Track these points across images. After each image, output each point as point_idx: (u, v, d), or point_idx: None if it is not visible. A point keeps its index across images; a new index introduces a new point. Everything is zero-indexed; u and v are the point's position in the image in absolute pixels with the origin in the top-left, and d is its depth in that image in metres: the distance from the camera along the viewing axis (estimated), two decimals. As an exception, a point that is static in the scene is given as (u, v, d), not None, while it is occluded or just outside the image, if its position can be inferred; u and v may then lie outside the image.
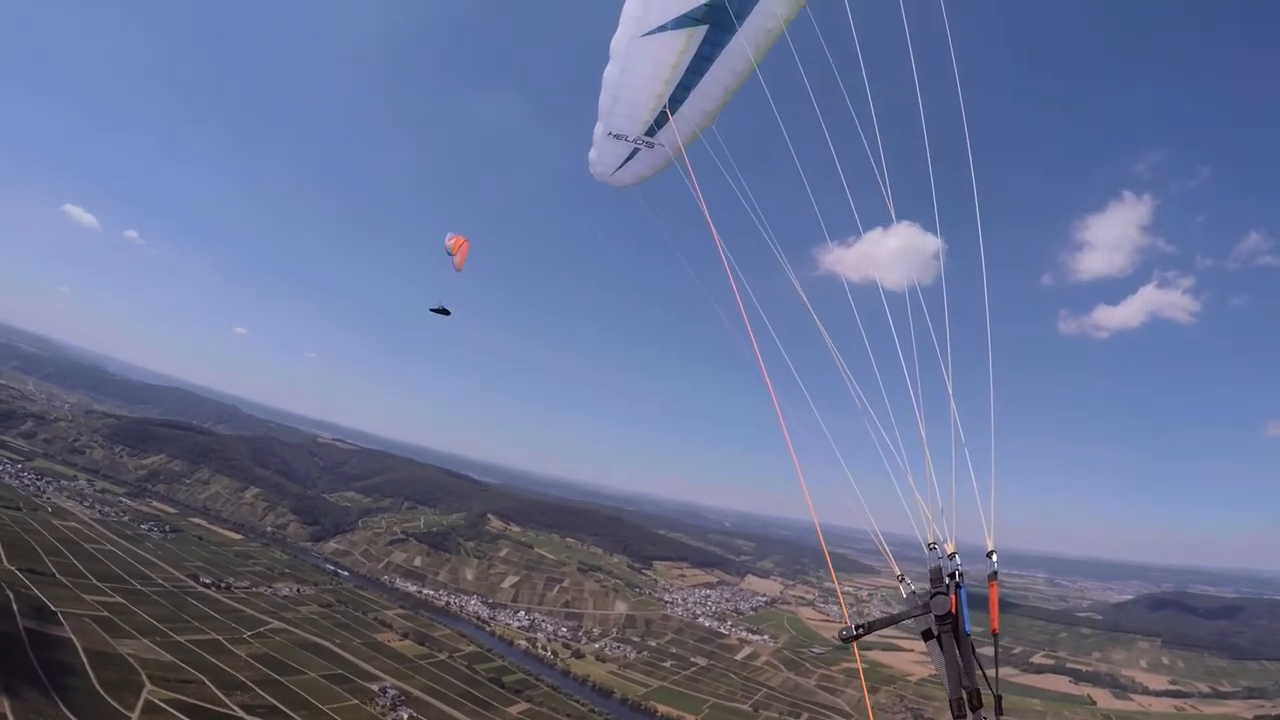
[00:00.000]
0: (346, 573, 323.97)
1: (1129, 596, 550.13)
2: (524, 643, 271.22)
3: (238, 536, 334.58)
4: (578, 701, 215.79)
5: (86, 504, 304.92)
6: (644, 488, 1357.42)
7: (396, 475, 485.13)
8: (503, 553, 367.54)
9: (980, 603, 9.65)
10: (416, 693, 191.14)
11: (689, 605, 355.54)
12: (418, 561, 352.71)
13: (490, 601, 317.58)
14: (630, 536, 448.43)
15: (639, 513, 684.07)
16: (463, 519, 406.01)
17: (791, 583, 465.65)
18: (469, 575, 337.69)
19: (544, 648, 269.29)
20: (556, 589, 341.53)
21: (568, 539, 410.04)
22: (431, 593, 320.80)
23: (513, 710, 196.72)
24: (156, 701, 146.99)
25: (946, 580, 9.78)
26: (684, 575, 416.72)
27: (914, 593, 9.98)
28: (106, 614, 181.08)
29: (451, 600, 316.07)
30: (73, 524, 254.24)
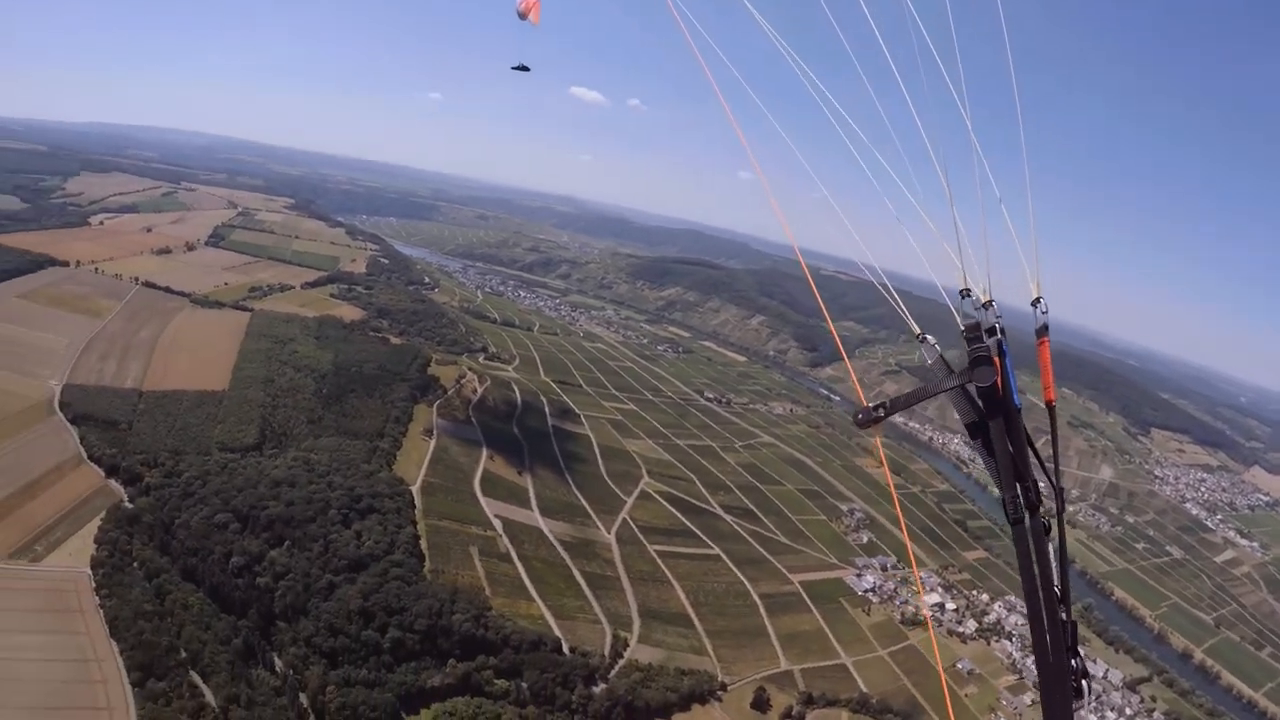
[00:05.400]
0: (838, 398, 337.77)
1: None
2: (997, 490, 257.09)
3: (741, 359, 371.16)
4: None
5: (612, 329, 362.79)
6: (1150, 341, 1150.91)
7: (896, 309, 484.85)
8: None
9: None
10: (881, 519, 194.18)
11: (1179, 486, 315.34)
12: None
13: (973, 444, 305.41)
14: (1130, 396, 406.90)
15: (1142, 370, 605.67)
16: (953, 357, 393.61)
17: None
18: (956, 414, 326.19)
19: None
20: (1041, 441, 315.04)
21: (1063, 389, 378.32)
22: (917, 426, 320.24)
23: (968, 555, 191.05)
24: (649, 491, 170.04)
25: (988, 339, 7.51)
26: (1182, 450, 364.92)
27: (942, 358, 7.90)
28: (620, 418, 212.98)
29: (935, 436, 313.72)
30: (599, 345, 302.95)
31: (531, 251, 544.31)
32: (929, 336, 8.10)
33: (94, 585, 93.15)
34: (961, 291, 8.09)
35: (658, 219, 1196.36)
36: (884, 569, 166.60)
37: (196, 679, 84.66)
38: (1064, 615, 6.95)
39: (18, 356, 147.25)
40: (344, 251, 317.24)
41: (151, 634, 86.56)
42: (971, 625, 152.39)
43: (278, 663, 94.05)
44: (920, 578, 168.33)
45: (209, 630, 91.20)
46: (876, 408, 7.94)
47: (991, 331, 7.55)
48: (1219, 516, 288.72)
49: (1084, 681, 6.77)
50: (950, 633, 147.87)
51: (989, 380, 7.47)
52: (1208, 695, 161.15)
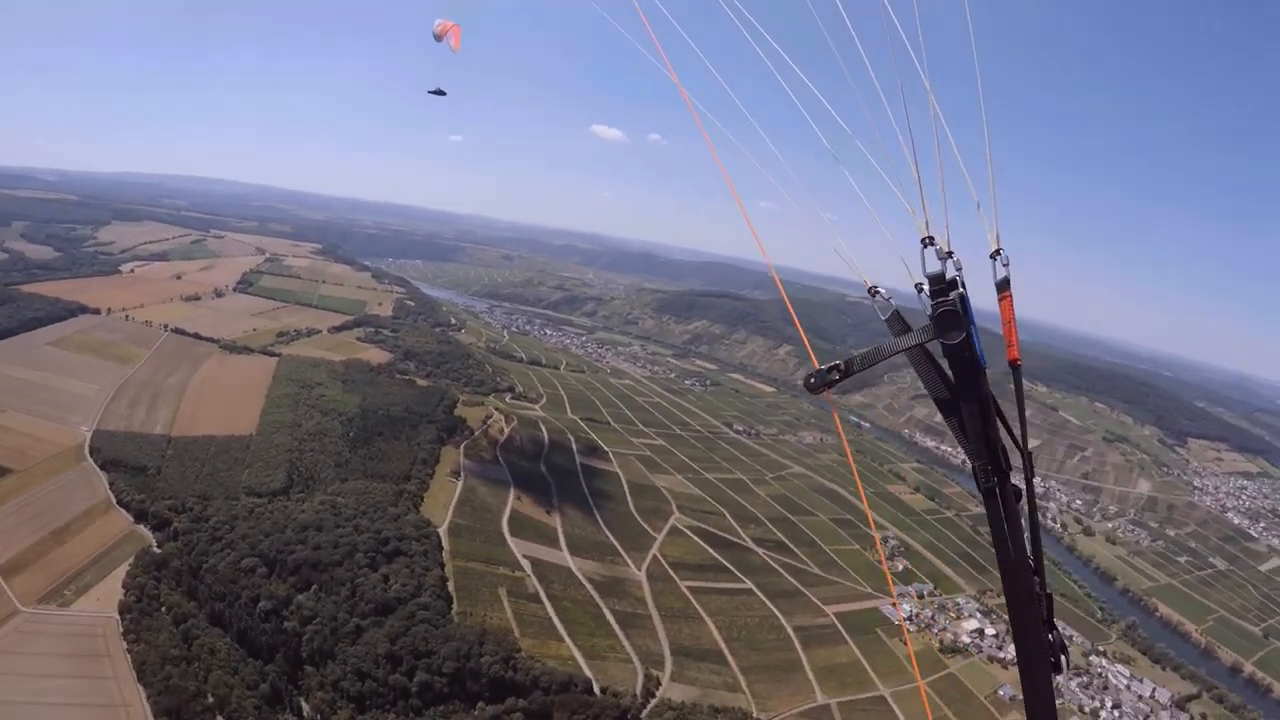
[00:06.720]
0: (868, 425, 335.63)
1: None
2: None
3: (770, 389, 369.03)
4: (1076, 582, 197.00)
5: (639, 364, 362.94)
6: (1182, 350, 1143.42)
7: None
8: (1026, 413, 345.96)
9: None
10: (916, 546, 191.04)
11: (1219, 495, 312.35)
12: (939, 417, 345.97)
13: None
14: (1164, 406, 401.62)
15: (1176, 380, 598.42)
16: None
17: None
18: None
19: (1054, 519, 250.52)
20: (1077, 458, 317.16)
21: (1095, 403, 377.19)
22: (949, 450, 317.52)
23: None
24: (680, 527, 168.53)
25: (952, 293, 6.99)
26: (1220, 459, 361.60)
27: (896, 312, 7.38)
28: (649, 454, 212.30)
29: (968, 460, 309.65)
30: (626, 381, 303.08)
31: (557, 290, 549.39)
32: (881, 289, 7.71)
33: (122, 630, 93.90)
34: (924, 240, 7.39)
35: (681, 253, 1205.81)
36: (920, 596, 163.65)
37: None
38: (1039, 587, 6.95)
39: (49, 403, 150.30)
40: (370, 295, 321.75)
41: (179, 679, 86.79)
42: (1012, 651, 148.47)
43: (305, 707, 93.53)
44: (958, 604, 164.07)
45: (236, 675, 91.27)
46: (830, 369, 7.45)
47: (953, 285, 7.04)
48: (1262, 524, 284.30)
49: (1061, 656, 6.87)
50: (991, 659, 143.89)
51: (958, 338, 7.00)
52: (1260, 709, 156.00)
